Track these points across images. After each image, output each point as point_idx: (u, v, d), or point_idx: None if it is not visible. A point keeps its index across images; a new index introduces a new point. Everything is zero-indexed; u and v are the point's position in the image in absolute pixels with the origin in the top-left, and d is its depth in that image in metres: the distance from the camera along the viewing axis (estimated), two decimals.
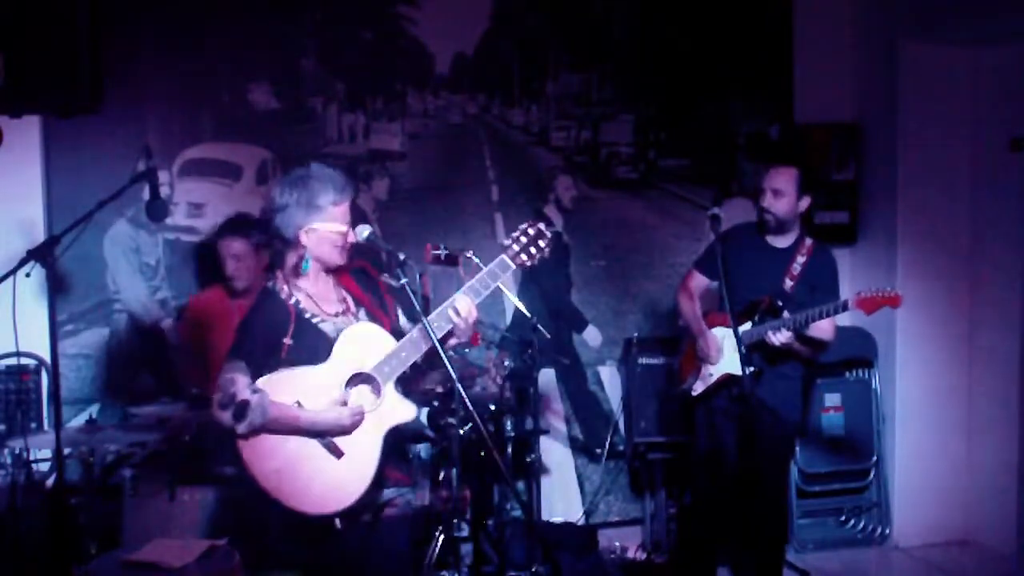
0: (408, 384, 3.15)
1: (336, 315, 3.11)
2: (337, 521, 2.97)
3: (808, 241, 4.30)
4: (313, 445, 2.97)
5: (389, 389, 3.03)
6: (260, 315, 3.07)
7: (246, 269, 4.29)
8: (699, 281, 4.48)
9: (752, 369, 4.10)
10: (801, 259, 4.26)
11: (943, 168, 5.36)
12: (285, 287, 3.08)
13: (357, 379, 3.03)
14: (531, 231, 3.11)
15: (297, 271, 3.07)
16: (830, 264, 4.32)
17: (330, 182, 3.05)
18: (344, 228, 3.04)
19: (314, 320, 3.06)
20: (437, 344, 2.96)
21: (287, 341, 2.99)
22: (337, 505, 2.95)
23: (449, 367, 2.99)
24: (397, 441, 3.13)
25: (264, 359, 2.98)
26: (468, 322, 3.06)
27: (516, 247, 3.10)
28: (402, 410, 3.05)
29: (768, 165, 4.29)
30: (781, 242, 4.29)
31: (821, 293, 4.20)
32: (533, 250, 3.11)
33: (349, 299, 3.18)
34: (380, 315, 3.19)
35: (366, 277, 3.27)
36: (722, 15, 5.53)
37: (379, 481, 3.02)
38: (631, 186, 5.55)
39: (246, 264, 4.29)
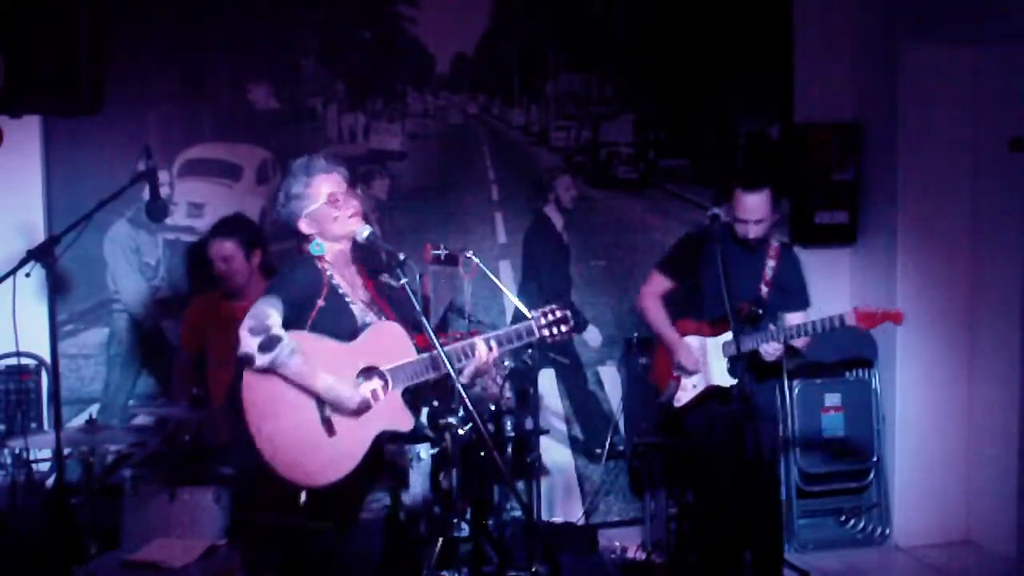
0: (415, 396, 3.19)
1: (363, 303, 3.16)
2: (303, 495, 2.98)
3: (774, 243, 4.31)
4: (312, 414, 3.00)
5: (395, 394, 3.08)
6: (297, 271, 3.13)
7: (236, 271, 4.28)
8: (663, 285, 4.42)
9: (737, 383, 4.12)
10: (771, 263, 4.27)
11: (943, 168, 5.36)
12: (318, 262, 3.13)
13: (370, 372, 3.08)
14: (559, 313, 3.25)
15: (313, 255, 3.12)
16: (797, 266, 4.34)
17: (298, 169, 3.14)
18: (322, 201, 3.08)
19: (346, 298, 3.11)
20: (452, 371, 3.05)
21: (320, 302, 3.04)
22: (306, 479, 2.98)
23: (452, 373, 3.04)
24: (383, 449, 3.16)
25: (295, 312, 3.01)
26: (485, 366, 3.18)
27: (544, 320, 3.24)
28: (401, 418, 3.10)
29: (738, 188, 4.16)
30: (750, 241, 4.26)
31: (792, 297, 4.25)
32: (555, 331, 3.25)
33: (374, 304, 3.23)
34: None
35: (388, 296, 3.32)
36: (722, 15, 5.52)
37: (358, 476, 3.04)
38: (631, 186, 5.55)
39: (235, 266, 4.27)
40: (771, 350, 4.09)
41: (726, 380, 4.18)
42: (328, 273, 3.11)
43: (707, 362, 4.27)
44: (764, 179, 4.21)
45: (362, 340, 3.06)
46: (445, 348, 3.08)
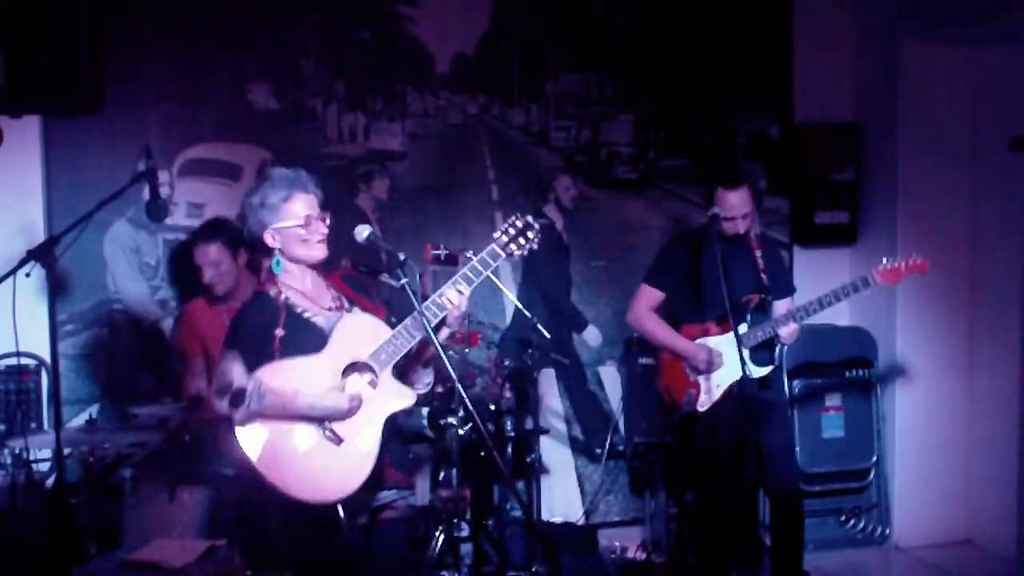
0: (405, 375, 3.19)
1: (329, 309, 3.13)
2: (340, 509, 2.97)
3: (752, 235, 4.39)
4: (313, 434, 2.98)
5: (386, 376, 3.06)
6: (250, 312, 3.11)
7: (224, 274, 4.21)
8: (655, 297, 4.46)
9: (769, 368, 4.14)
10: (758, 252, 4.34)
11: (943, 168, 5.36)
12: (274, 287, 3.10)
13: (353, 368, 3.06)
14: (519, 223, 3.15)
15: (272, 273, 3.10)
16: (779, 252, 4.51)
17: (281, 181, 3.09)
18: (296, 222, 3.05)
19: (306, 315, 3.08)
20: (431, 333, 3.00)
21: (279, 332, 3.01)
22: (341, 492, 2.97)
23: (445, 360, 3.03)
24: (397, 435, 3.16)
25: (256, 352, 2.99)
26: (458, 312, 3.12)
27: (505, 237, 3.14)
28: (400, 397, 3.08)
29: (720, 188, 4.25)
30: (736, 237, 4.32)
31: (782, 280, 4.39)
32: (522, 240, 3.14)
33: (343, 299, 3.21)
34: (374, 312, 3.21)
35: (358, 282, 3.32)
36: (721, 15, 5.52)
37: (381, 469, 3.03)
38: (631, 186, 5.54)
39: (223, 269, 4.20)
40: (790, 331, 4.19)
41: (751, 371, 4.17)
42: (283, 297, 3.07)
43: (723, 361, 4.29)
44: (741, 176, 4.39)
45: (332, 343, 3.02)
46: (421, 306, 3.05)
